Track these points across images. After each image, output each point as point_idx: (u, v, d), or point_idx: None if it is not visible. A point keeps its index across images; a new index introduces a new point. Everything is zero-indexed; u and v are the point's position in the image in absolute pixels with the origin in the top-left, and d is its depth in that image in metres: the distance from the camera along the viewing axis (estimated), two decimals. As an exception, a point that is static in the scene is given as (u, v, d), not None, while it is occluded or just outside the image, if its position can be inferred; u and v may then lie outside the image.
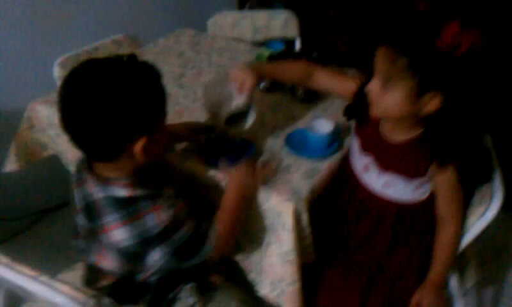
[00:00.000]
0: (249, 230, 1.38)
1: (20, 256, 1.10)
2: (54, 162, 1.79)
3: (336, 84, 1.42)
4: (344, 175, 1.44)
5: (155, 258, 1.13)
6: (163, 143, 1.19)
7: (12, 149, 1.74)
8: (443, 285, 1.36)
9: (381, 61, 1.15)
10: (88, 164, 1.15)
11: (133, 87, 1.04)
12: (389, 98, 1.15)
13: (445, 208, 1.30)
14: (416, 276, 1.37)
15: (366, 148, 1.35)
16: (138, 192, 1.11)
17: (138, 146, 1.07)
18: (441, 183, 1.26)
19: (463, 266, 1.43)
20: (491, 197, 1.27)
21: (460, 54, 1.05)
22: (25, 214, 2.24)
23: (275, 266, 1.31)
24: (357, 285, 1.38)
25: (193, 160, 1.41)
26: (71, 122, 1.05)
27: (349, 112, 1.38)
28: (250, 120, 1.40)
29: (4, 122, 1.88)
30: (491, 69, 1.11)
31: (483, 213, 1.27)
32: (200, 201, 1.33)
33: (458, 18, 1.07)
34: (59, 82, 1.87)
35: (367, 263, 1.39)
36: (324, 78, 1.43)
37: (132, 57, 1.10)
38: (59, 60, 1.91)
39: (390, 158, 1.29)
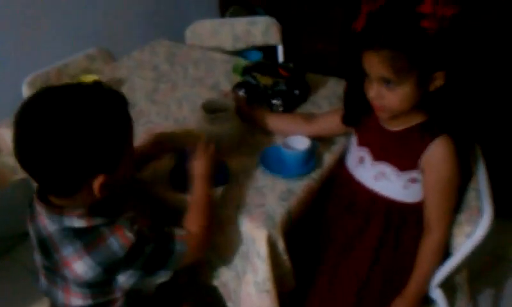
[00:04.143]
0: (225, 256, 1.30)
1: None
2: (27, 185, 1.71)
3: (326, 123, 1.46)
4: (336, 177, 1.40)
5: (124, 278, 1.05)
6: (125, 179, 1.09)
7: (-20, 175, 1.65)
8: (422, 298, 1.28)
9: (374, 65, 1.15)
10: (41, 194, 1.06)
11: (94, 120, 0.96)
12: (397, 96, 1.17)
13: (431, 211, 1.25)
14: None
15: (363, 142, 1.34)
16: (96, 221, 1.03)
17: (96, 183, 1.00)
18: (429, 182, 1.23)
19: (453, 289, 1.34)
20: (480, 214, 1.18)
21: (447, 27, 1.11)
22: (1, 238, 2.17)
23: (252, 295, 1.24)
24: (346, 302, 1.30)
25: (161, 185, 1.33)
26: (25, 154, 0.97)
27: (347, 120, 1.38)
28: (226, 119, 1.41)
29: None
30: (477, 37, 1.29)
31: (472, 232, 1.17)
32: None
33: None
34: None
35: (354, 274, 1.31)
36: (313, 126, 1.47)
37: (97, 84, 1.02)
38: (27, 78, 1.82)
39: (385, 147, 1.29)
